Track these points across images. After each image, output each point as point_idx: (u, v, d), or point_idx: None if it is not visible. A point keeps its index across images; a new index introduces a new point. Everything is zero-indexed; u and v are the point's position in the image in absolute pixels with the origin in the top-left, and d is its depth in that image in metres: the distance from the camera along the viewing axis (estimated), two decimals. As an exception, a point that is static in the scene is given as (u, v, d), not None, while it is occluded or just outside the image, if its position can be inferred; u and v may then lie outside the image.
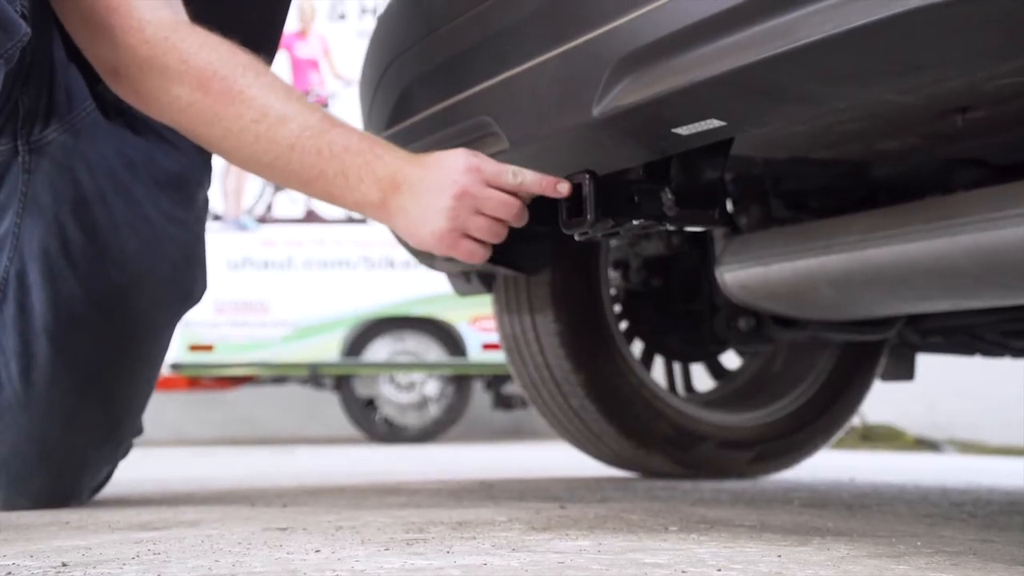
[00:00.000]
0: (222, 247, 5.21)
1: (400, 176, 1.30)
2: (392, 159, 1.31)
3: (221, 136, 1.32)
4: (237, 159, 1.36)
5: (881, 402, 3.10)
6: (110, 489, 1.76)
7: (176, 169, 1.54)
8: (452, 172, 1.29)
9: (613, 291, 2.23)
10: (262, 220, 5.37)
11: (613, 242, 2.21)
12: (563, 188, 1.29)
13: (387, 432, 5.29)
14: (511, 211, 1.31)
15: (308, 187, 1.33)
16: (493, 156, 1.38)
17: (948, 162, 1.69)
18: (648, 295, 2.25)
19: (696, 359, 2.35)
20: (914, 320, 2.09)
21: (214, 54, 1.31)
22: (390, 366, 5.35)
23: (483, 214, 1.30)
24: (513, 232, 1.35)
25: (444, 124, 1.45)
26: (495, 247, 1.35)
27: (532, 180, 1.30)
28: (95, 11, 1.32)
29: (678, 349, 2.29)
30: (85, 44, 1.36)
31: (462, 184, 1.29)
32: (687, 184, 1.29)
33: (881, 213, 1.57)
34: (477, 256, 1.33)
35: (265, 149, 1.31)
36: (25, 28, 1.20)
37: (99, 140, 1.46)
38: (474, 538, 1.13)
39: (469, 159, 1.30)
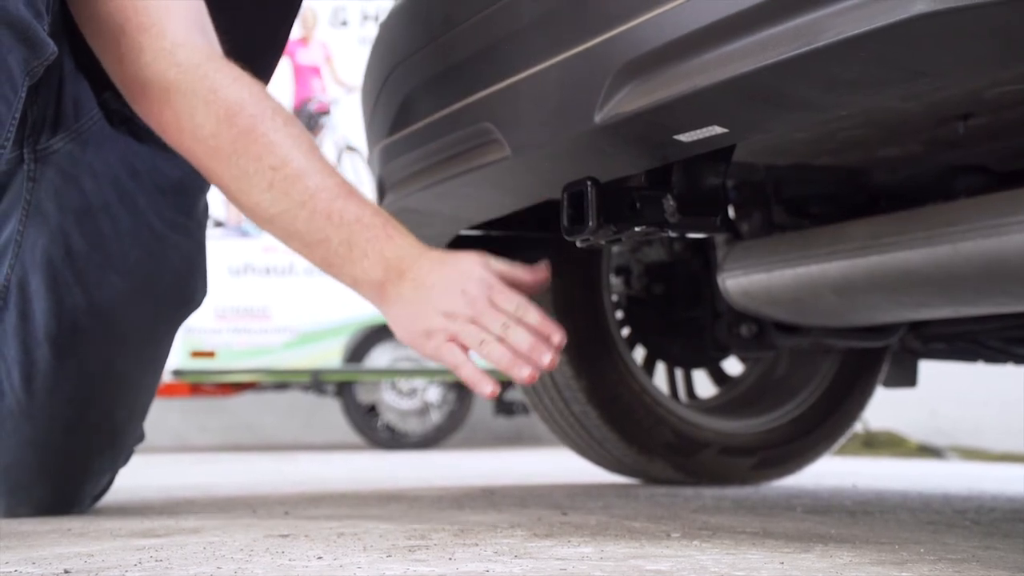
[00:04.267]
0: (224, 253, 5.21)
1: (408, 263, 1.26)
2: (403, 243, 1.27)
3: (234, 176, 1.28)
4: (242, 202, 1.31)
5: (883, 409, 3.10)
6: (112, 496, 1.75)
7: (178, 175, 1.53)
8: (463, 278, 1.25)
9: (615, 297, 2.23)
10: (264, 226, 5.37)
11: (615, 248, 2.21)
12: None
13: (389, 438, 5.29)
14: (507, 330, 1.23)
15: (308, 250, 1.29)
16: (494, 163, 1.38)
17: (950, 169, 1.69)
18: (650, 301, 2.25)
19: (698, 365, 2.35)
20: (916, 327, 2.09)
21: (246, 91, 1.29)
22: (392, 372, 5.35)
23: (478, 324, 1.23)
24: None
25: (446, 131, 1.45)
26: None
27: (531, 323, 1.24)
28: (125, 31, 1.30)
29: (680, 355, 2.29)
30: (112, 63, 1.34)
31: (472, 293, 1.24)
32: (689, 191, 1.29)
33: (883, 220, 1.57)
34: (462, 368, 1.23)
35: (275, 199, 1.27)
36: (52, 47, 1.19)
37: (105, 149, 1.45)
38: (476, 545, 1.13)
39: (484, 270, 1.26)
